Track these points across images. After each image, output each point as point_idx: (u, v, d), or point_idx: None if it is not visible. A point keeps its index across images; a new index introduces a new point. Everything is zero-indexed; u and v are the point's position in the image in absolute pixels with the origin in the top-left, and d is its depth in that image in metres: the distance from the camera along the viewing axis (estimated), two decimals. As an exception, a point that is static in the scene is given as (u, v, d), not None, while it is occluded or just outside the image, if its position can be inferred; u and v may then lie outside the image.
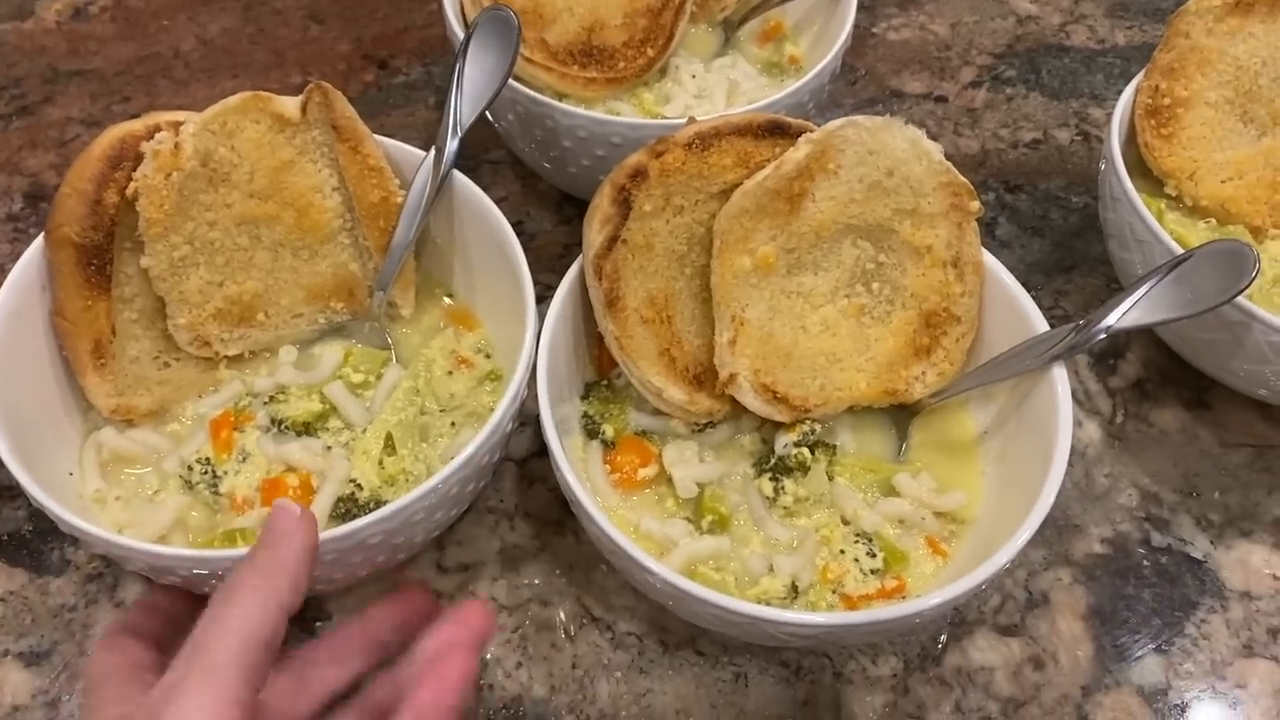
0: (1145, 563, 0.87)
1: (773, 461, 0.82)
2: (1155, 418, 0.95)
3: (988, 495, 0.82)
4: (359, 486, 0.79)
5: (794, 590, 0.78)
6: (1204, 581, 0.86)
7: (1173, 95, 0.94)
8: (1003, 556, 0.69)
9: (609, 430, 0.84)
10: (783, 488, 0.81)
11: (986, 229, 1.07)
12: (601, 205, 0.79)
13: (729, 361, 0.80)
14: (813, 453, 0.82)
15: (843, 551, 0.80)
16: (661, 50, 1.03)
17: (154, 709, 0.52)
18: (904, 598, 0.78)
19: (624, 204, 0.78)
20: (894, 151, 0.80)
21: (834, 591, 0.78)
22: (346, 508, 0.79)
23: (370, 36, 1.22)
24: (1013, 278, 0.83)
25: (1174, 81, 0.94)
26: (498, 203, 0.85)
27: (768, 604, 0.72)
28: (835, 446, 0.84)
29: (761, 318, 0.82)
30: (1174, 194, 0.95)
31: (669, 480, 0.82)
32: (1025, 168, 1.11)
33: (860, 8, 1.23)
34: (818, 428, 0.83)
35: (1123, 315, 0.76)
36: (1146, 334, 0.98)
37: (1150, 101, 0.95)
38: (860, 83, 1.19)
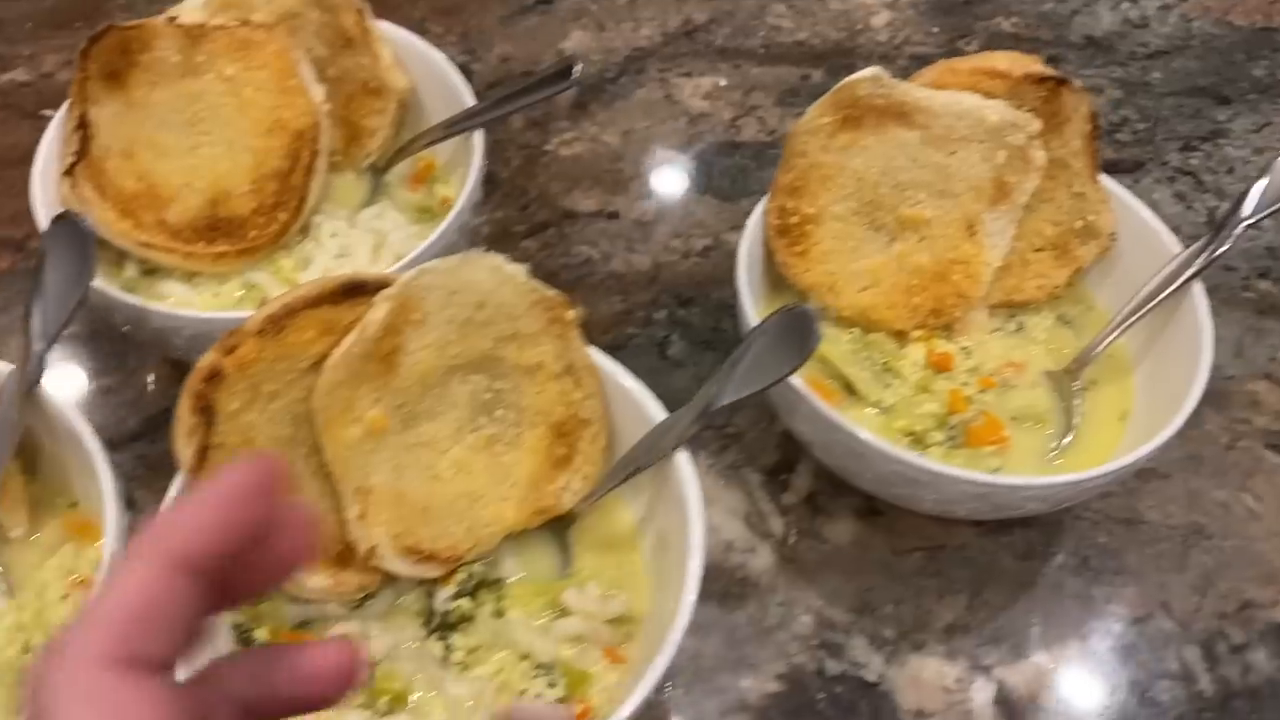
0: (820, 695, 0.86)
1: (435, 621, 0.79)
2: (828, 532, 0.95)
3: (652, 587, 0.82)
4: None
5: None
6: (879, 707, 0.86)
7: (800, 213, 0.95)
8: (660, 661, 0.70)
9: (263, 633, 0.78)
10: (451, 645, 0.78)
11: (658, 349, 1.06)
12: (183, 418, 0.74)
13: (364, 535, 0.77)
14: (475, 597, 0.80)
15: (523, 691, 0.77)
16: (295, 213, 0.99)
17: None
18: (590, 720, 0.76)
19: (206, 410, 0.74)
20: (478, 285, 0.79)
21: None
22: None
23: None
24: (630, 375, 0.85)
25: (799, 200, 0.95)
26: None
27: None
28: (501, 580, 0.82)
29: (389, 481, 0.78)
30: (819, 307, 0.96)
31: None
32: (697, 278, 1.11)
33: (532, 125, 1.22)
34: (477, 568, 0.81)
35: (723, 390, 0.79)
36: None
37: (779, 222, 0.95)
38: (532, 207, 1.17)
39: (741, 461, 0.99)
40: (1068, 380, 0.95)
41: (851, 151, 0.95)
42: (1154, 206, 1.18)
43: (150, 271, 0.98)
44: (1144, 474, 1.00)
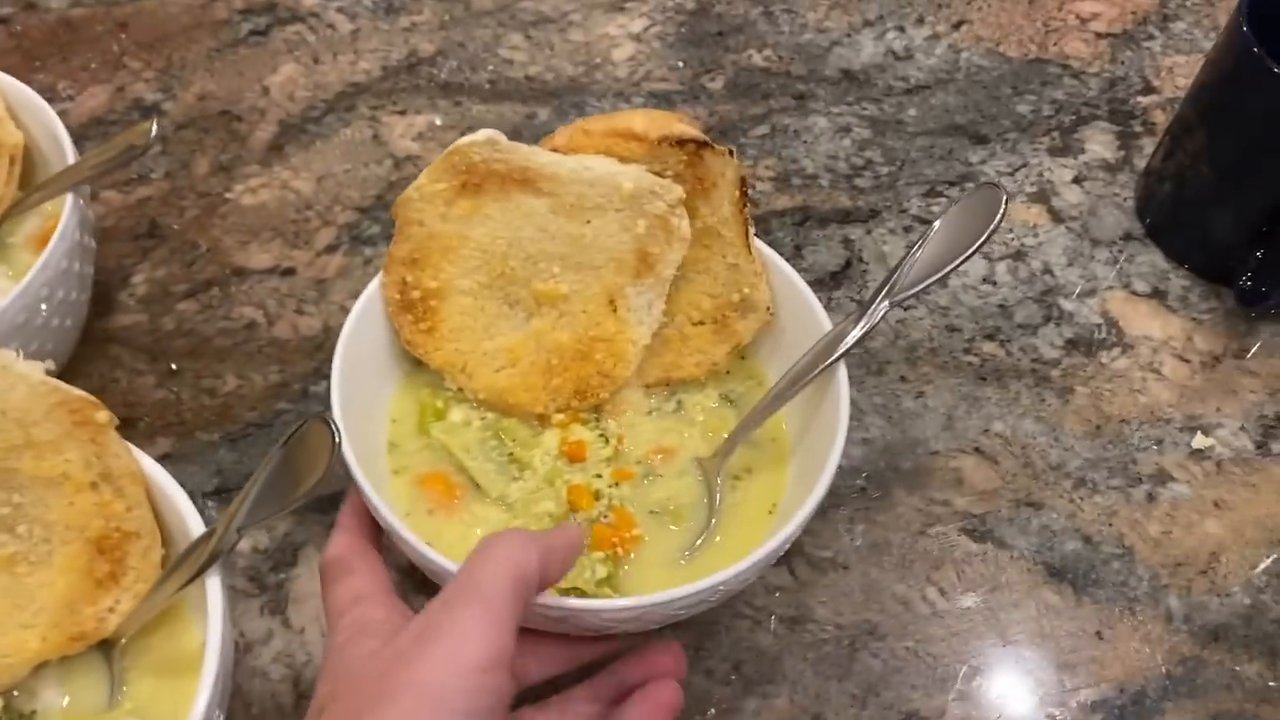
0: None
1: None
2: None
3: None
4: None
5: None
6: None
7: (422, 287, 0.86)
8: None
9: None
10: None
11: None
12: None
13: None
14: None
15: None
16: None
17: (429, 621, 0.60)
18: None
19: None
20: None
21: None
22: None
23: None
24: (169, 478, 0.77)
25: (420, 272, 0.86)
26: None
27: None
28: (32, 715, 0.73)
29: None
30: (454, 388, 0.87)
31: None
32: (367, 343, 1.01)
33: (218, 169, 1.12)
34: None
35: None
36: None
37: (400, 297, 0.86)
38: (199, 263, 1.07)
39: (377, 556, 0.90)
40: (714, 467, 0.86)
41: (473, 220, 0.85)
42: (884, 259, 1.11)
43: None
44: (820, 564, 0.92)
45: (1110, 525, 0.94)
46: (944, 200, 1.16)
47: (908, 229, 1.14)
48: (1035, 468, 0.97)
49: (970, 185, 1.17)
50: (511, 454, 0.86)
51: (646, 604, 0.72)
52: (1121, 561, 0.92)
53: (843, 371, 0.83)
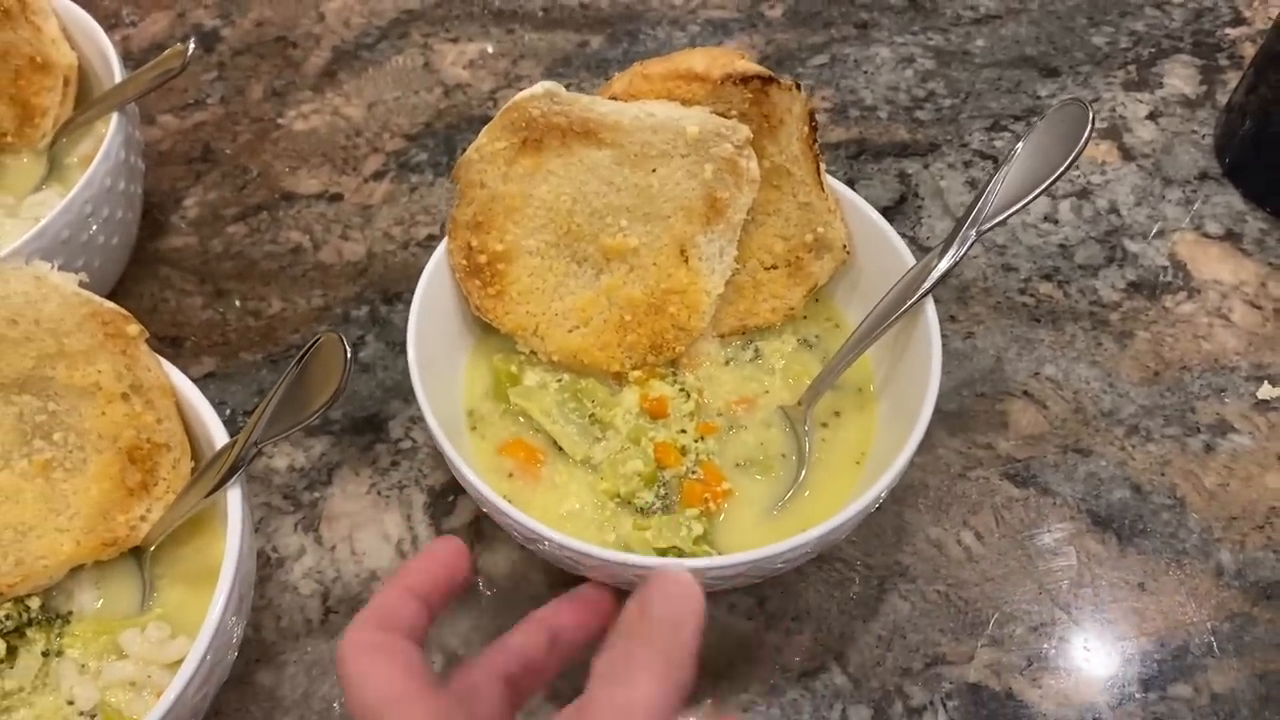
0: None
1: None
2: (484, 562, 0.86)
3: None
4: None
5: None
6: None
7: (488, 251, 0.84)
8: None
9: None
10: None
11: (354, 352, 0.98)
12: None
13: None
14: (24, 635, 0.74)
15: None
16: (-63, 199, 0.92)
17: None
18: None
19: None
20: (11, 299, 0.72)
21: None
22: None
23: None
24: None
25: (485, 236, 0.84)
26: None
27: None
28: (68, 615, 0.76)
29: None
30: (527, 351, 0.87)
31: None
32: (411, 271, 1.02)
33: (272, 95, 1.13)
34: (34, 604, 0.75)
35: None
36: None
37: (466, 263, 0.84)
38: (250, 187, 1.08)
39: (409, 480, 0.91)
40: (800, 415, 0.83)
41: (536, 178, 0.82)
42: (940, 195, 1.07)
43: None
44: (852, 504, 0.90)
45: (1162, 475, 0.90)
46: (1008, 135, 1.11)
47: (968, 164, 1.09)
48: (1086, 413, 0.94)
49: (1036, 120, 1.12)
50: (593, 415, 0.84)
51: (750, 559, 0.70)
52: (1172, 513, 0.89)
53: (931, 308, 0.79)
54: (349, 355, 0.67)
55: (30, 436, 0.75)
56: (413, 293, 0.84)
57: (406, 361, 0.78)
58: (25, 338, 0.73)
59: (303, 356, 0.69)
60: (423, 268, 0.85)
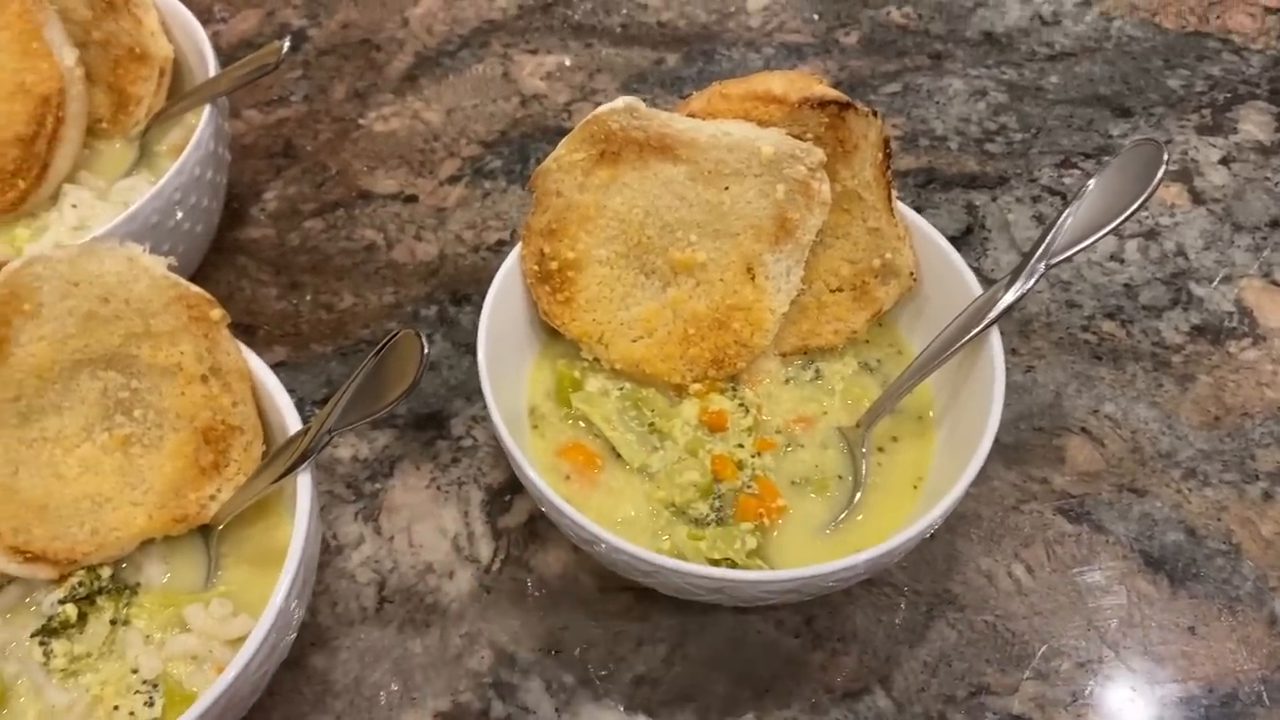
0: (475, 739, 0.80)
1: (41, 624, 0.76)
2: (538, 561, 0.88)
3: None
4: None
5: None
6: (532, 759, 0.79)
7: (560, 258, 0.86)
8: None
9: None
10: (51, 650, 0.75)
11: (417, 347, 1.00)
12: None
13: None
14: (93, 603, 0.77)
15: (116, 708, 0.73)
16: (36, 181, 0.95)
17: None
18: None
19: None
20: (105, 278, 0.75)
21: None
22: None
23: None
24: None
25: (558, 243, 0.86)
26: None
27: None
28: (136, 586, 0.79)
29: (2, 475, 0.76)
30: (590, 358, 0.89)
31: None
32: (481, 274, 1.05)
33: (354, 95, 1.16)
34: (105, 573, 0.78)
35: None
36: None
37: (538, 268, 0.87)
38: (328, 184, 1.11)
39: (468, 477, 0.93)
40: (858, 437, 0.84)
41: (611, 190, 0.84)
42: (1007, 228, 1.08)
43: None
44: (904, 530, 0.90)
45: (1219, 520, 0.90)
46: (1078, 172, 1.12)
47: (1036, 198, 1.10)
48: (1144, 453, 0.94)
49: (1107, 158, 1.12)
50: (652, 424, 0.86)
51: (801, 576, 0.71)
52: (1226, 558, 0.88)
53: (996, 338, 0.80)
54: (425, 352, 0.69)
55: (112, 411, 0.78)
56: (482, 295, 0.86)
57: (471, 361, 0.80)
58: (115, 316, 0.76)
59: (380, 350, 0.71)
60: (493, 272, 0.87)
